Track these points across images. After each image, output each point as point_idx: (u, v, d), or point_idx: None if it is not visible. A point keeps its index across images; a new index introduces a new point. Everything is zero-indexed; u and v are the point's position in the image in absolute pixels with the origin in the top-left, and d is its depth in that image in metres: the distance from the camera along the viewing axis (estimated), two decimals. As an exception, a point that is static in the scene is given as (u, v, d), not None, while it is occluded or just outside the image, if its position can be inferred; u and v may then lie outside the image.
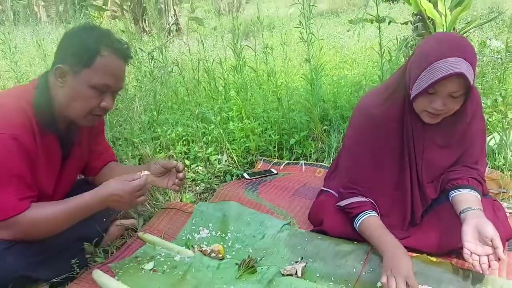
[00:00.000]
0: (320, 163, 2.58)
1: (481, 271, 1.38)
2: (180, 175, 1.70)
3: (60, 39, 1.49)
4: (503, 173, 2.25)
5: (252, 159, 2.74)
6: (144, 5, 7.74)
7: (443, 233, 1.60)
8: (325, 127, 2.80)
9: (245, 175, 2.52)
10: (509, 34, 3.17)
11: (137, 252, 1.75)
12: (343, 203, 1.68)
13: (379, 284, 1.49)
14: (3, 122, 1.36)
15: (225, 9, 9.87)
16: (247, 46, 3.32)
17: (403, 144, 1.60)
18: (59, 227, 1.44)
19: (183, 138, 2.81)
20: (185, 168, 2.55)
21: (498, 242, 1.35)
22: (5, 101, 1.45)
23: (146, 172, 1.52)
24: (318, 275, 1.59)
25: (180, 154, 2.69)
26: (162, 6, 8.68)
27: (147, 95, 3.10)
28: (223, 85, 3.24)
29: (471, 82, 1.38)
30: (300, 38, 2.92)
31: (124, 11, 9.10)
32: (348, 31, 5.03)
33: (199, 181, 2.54)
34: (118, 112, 2.99)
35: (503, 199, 2.09)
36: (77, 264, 1.56)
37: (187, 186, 2.48)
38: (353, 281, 1.54)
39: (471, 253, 1.38)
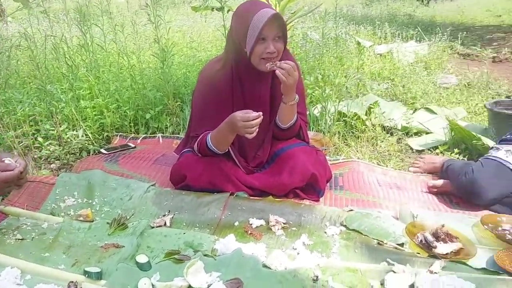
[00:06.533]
0: (176, 135, 2.79)
1: None
2: (21, 181, 1.56)
3: None
4: (324, 134, 2.80)
5: (108, 135, 2.79)
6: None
7: (284, 176, 1.97)
8: (178, 102, 3.01)
9: (103, 150, 2.57)
10: (323, 25, 3.84)
11: (0, 224, 1.71)
12: (195, 146, 1.95)
13: None
14: None
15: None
16: (95, 24, 3.29)
17: (234, 99, 1.94)
18: None
19: (31, 117, 2.68)
20: (39, 147, 2.47)
21: None
22: None
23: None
24: (184, 223, 1.81)
25: (29, 134, 2.58)
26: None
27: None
28: (70, 64, 3.16)
29: (285, 25, 1.78)
30: (148, 20, 3.04)
31: None
32: (195, 12, 5.28)
33: (53, 159, 2.49)
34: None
35: (326, 154, 2.62)
36: None
37: (41, 164, 2.41)
38: (215, 224, 1.80)
39: None
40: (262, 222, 1.78)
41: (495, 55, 5.86)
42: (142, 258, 1.51)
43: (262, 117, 1.76)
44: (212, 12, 4.19)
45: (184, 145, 2.15)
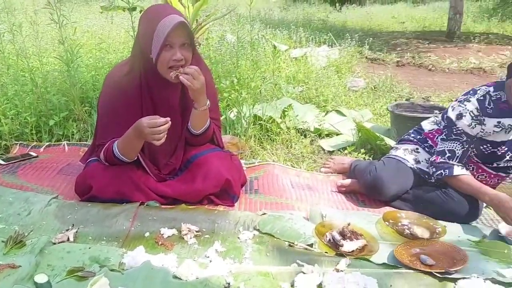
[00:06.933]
0: (84, 142, 2.63)
1: None
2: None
3: None
4: (240, 138, 2.81)
5: (6, 144, 2.55)
6: None
7: (197, 182, 1.94)
8: (86, 107, 2.85)
9: (0, 161, 2.35)
10: (240, 29, 3.87)
11: None
12: (102, 154, 1.85)
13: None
14: None
15: None
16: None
17: (144, 106, 1.88)
18: None
19: None
20: None
21: None
22: None
23: None
24: (90, 237, 1.71)
25: None
26: None
27: None
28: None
29: (192, 32, 1.76)
30: (51, 20, 2.84)
31: None
32: (101, 12, 5.04)
33: None
34: None
35: (241, 158, 2.63)
36: None
37: None
38: (123, 236, 1.72)
39: None
40: (174, 231, 1.74)
41: (399, 59, 6.35)
42: (41, 278, 1.40)
43: (170, 123, 1.71)
44: (124, 12, 4.03)
45: (90, 153, 2.03)
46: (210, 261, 1.57)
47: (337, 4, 13.92)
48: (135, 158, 1.88)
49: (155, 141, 1.70)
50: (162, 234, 1.72)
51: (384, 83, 4.51)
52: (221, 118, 2.98)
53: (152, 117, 1.70)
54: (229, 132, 2.90)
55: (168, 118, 1.70)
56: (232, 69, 3.47)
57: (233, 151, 2.58)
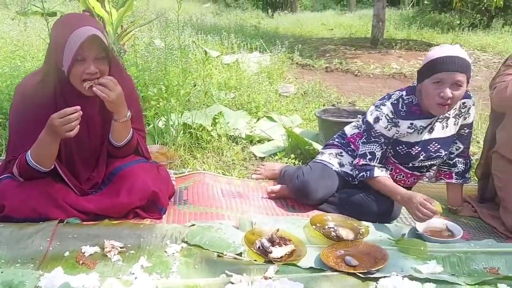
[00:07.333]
0: (-2, 157, 2.44)
1: None
2: None
3: None
4: (169, 147, 2.76)
5: None
6: None
7: (122, 196, 1.86)
8: (0, 119, 2.65)
9: None
10: (169, 35, 3.80)
11: None
12: (15, 168, 1.73)
13: None
14: None
15: None
16: None
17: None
18: None
19: None
20: None
21: None
22: None
23: None
24: (3, 261, 1.57)
25: None
26: None
27: None
28: None
29: (106, 43, 1.69)
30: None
31: None
32: (13, 19, 4.73)
33: None
34: None
35: (171, 168, 2.58)
36: None
37: None
38: (40, 257, 1.60)
39: None
40: (97, 248, 1.65)
41: (328, 65, 6.58)
42: None
43: (81, 112, 1.62)
44: (42, 18, 3.80)
45: (2, 171, 1.88)
46: (135, 277, 1.51)
47: (269, 11, 14.21)
48: (52, 167, 1.76)
49: (68, 133, 1.61)
50: (84, 253, 1.63)
51: (314, 89, 4.65)
52: (149, 127, 2.91)
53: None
54: (157, 141, 2.83)
55: (78, 107, 1.62)
56: (161, 76, 3.39)
57: (162, 161, 2.53)
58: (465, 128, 2.10)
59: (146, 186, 1.87)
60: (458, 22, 10.71)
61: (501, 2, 8.84)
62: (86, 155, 1.83)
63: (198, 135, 2.93)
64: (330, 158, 2.19)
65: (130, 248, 1.68)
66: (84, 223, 1.81)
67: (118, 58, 1.94)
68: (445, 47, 1.90)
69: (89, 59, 1.65)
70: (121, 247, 1.67)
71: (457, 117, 2.05)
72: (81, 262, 1.59)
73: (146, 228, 1.80)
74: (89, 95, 1.72)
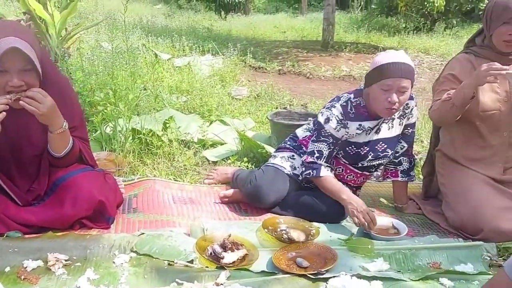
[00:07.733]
0: None
1: None
2: None
3: None
4: (117, 154, 2.68)
5: None
6: None
7: (66, 207, 1.78)
8: None
9: None
10: (117, 37, 3.70)
11: None
12: None
13: None
14: None
15: None
16: None
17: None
18: None
19: None
20: None
21: None
22: None
23: None
24: None
25: None
26: None
27: None
28: None
29: (33, 56, 1.61)
30: None
31: None
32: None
33: None
34: None
35: (119, 175, 2.50)
36: None
37: None
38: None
39: None
40: (40, 262, 1.58)
41: (280, 68, 6.65)
42: None
43: (11, 100, 1.57)
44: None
45: None
46: (82, 291, 1.45)
47: (222, 13, 14.17)
48: None
49: None
50: (26, 267, 1.56)
51: (266, 91, 4.68)
52: (96, 133, 2.82)
53: None
54: (105, 148, 2.74)
55: (9, 96, 1.57)
56: (108, 80, 3.29)
57: (110, 169, 2.45)
58: (409, 128, 2.19)
59: (91, 195, 1.81)
60: (403, 25, 11.15)
61: (442, 7, 9.31)
62: (24, 166, 1.73)
63: (148, 140, 2.87)
64: (282, 162, 2.21)
65: (75, 261, 1.62)
66: (26, 236, 1.73)
67: (57, 66, 1.85)
68: (391, 53, 1.97)
69: (11, 71, 1.58)
70: (66, 260, 1.60)
71: (401, 117, 2.14)
72: (22, 277, 1.51)
73: (92, 238, 1.74)
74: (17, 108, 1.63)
